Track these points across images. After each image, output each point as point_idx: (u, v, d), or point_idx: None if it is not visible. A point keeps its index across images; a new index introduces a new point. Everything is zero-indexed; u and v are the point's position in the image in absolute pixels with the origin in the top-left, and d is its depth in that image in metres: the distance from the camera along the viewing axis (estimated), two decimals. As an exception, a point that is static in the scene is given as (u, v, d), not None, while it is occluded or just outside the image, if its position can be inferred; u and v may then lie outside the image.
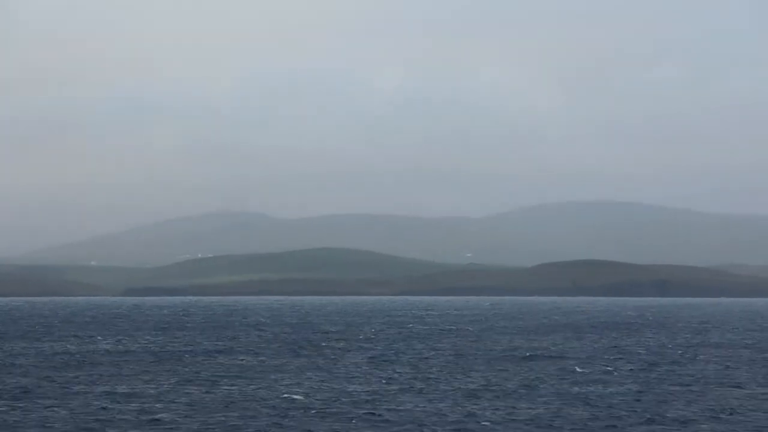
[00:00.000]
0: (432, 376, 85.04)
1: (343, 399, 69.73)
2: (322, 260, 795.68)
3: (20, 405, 66.83)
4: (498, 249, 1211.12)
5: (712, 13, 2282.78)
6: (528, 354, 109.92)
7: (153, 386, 77.33)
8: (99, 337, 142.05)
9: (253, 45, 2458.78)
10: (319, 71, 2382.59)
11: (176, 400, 69.11)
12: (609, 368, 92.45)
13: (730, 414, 64.71)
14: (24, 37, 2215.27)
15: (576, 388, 76.39)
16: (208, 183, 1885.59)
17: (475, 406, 66.56)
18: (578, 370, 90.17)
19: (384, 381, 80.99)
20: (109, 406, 66.11)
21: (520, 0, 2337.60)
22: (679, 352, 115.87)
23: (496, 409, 65.41)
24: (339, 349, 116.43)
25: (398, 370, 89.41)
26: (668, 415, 63.68)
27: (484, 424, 59.75)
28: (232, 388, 76.57)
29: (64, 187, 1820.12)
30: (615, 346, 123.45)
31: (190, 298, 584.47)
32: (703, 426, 60.13)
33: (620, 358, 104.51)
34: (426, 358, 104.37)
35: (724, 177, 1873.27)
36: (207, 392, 73.66)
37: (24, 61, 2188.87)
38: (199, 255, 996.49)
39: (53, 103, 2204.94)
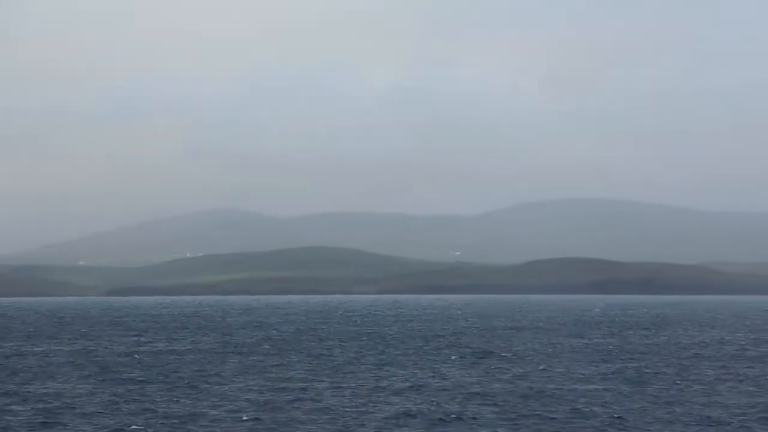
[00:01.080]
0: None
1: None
2: (310, 259, 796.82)
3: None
4: (487, 247, 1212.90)
5: (704, 10, 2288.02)
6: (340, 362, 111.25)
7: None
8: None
9: (243, 45, 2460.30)
10: (307, 70, 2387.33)
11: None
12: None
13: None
14: (14, 37, 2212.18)
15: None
16: (199, 182, 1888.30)
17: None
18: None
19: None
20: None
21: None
22: (550, 350, 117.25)
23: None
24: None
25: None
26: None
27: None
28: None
29: (54, 187, 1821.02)
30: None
31: (171, 298, 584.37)
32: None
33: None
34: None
35: (711, 175, 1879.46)
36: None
37: (12, 61, 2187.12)
38: (188, 254, 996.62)
39: (43, 103, 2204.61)
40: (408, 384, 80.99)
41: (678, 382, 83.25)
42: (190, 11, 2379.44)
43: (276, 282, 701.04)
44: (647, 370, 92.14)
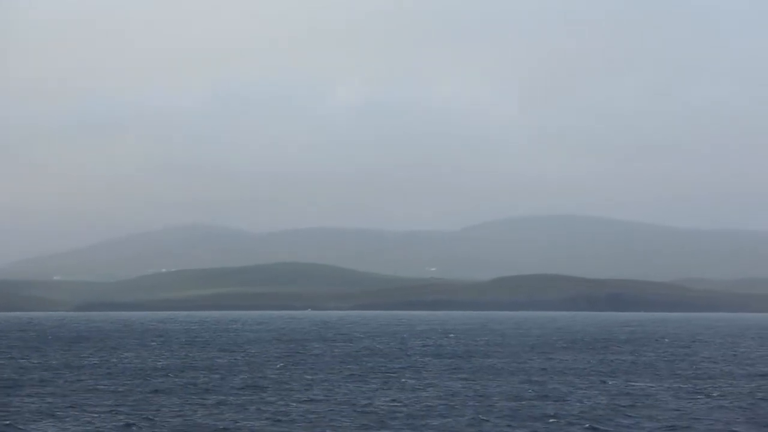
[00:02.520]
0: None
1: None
2: (283, 274, 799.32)
3: None
4: (464, 263, 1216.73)
5: (674, 25, 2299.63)
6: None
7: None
8: None
9: (217, 60, 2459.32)
10: (281, 85, 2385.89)
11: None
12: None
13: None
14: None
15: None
16: (176, 197, 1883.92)
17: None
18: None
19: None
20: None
21: (480, 12, 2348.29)
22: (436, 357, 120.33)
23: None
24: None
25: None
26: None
27: None
28: None
29: (32, 201, 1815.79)
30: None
31: (137, 313, 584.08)
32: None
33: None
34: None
35: (683, 191, 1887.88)
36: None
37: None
38: (163, 270, 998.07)
39: (21, 114, 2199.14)
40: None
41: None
42: (160, 26, 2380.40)
43: (249, 298, 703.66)
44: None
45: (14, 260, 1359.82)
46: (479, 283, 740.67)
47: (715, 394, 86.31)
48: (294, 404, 78.19)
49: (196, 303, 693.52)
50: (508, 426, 67.49)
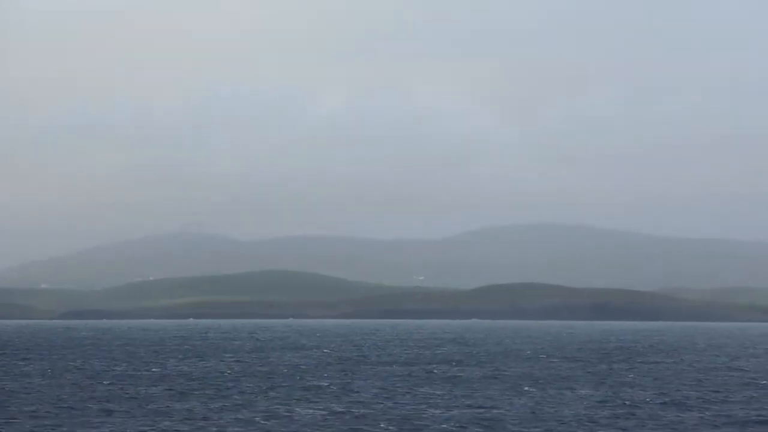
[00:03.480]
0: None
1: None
2: (268, 283, 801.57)
3: None
4: (446, 272, 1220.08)
5: (651, 36, 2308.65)
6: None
7: None
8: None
9: (204, 67, 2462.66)
10: (269, 91, 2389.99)
11: None
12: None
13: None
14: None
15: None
16: (163, 205, 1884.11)
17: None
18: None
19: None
20: None
21: (460, 23, 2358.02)
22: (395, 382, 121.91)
23: None
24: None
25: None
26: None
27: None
28: None
29: (19, 209, 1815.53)
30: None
31: (116, 321, 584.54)
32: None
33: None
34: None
35: (668, 201, 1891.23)
36: None
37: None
38: (151, 278, 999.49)
39: (2, 120, 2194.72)
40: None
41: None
42: (141, 33, 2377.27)
43: (234, 305, 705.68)
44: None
45: (5, 267, 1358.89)
46: (461, 292, 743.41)
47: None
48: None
49: (178, 311, 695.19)
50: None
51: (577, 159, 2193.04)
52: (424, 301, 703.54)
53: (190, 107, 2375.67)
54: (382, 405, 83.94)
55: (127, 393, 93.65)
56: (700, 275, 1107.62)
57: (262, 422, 73.48)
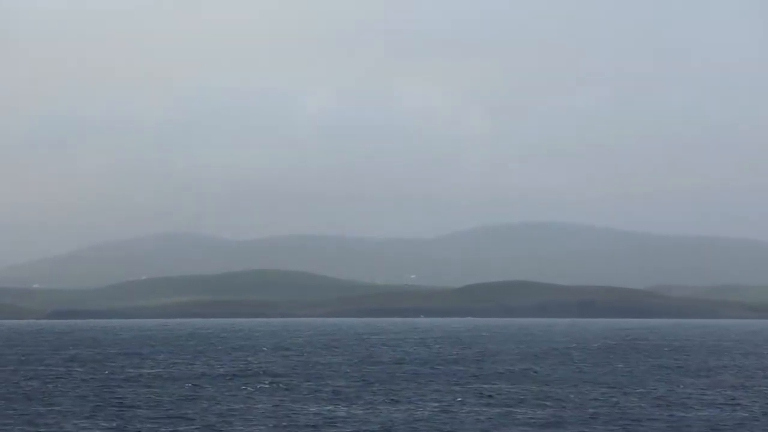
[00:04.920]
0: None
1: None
2: (258, 282, 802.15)
3: None
4: (437, 271, 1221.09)
5: (638, 37, 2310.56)
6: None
7: None
8: None
9: (189, 66, 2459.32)
10: (256, 94, 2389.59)
11: None
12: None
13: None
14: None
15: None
16: (153, 205, 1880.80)
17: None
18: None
19: None
20: None
21: (448, 26, 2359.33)
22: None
23: None
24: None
25: None
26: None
27: None
28: None
29: (11, 208, 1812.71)
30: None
31: (103, 321, 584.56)
32: None
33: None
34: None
35: (657, 199, 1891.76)
36: None
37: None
38: (143, 277, 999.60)
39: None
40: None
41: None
42: (129, 33, 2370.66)
43: (223, 305, 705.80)
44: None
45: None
46: (450, 290, 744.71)
47: None
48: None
49: (173, 311, 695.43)
50: None
51: (565, 158, 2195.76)
52: (413, 300, 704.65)
53: (180, 107, 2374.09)
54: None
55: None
56: (688, 273, 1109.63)
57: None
